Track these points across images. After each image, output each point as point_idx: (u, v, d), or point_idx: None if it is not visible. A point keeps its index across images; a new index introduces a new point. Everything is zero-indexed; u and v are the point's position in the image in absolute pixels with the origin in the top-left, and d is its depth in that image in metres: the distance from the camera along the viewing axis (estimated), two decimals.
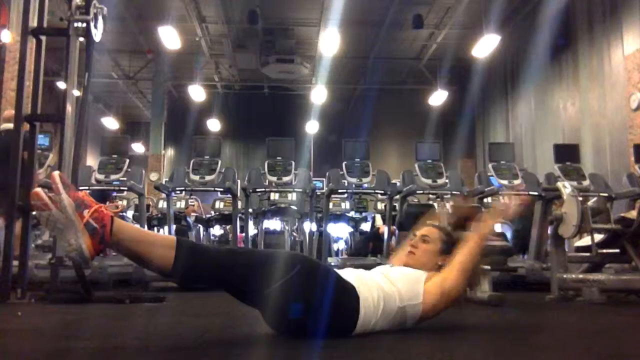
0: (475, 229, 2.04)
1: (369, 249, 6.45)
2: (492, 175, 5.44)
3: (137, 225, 1.69)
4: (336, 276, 1.75)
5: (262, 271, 1.58)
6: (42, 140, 4.95)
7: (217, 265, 1.57)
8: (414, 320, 1.85)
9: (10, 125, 4.11)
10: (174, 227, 5.96)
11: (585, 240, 3.80)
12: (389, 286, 1.82)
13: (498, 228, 7.59)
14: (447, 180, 5.38)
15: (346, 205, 7.34)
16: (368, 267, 2.02)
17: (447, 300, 1.86)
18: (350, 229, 7.78)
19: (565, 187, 3.77)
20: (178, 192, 6.06)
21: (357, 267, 2.12)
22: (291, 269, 1.62)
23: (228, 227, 8.30)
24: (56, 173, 1.48)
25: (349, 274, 1.82)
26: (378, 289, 1.78)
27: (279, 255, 1.70)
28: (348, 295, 1.72)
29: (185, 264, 1.51)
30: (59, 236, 1.45)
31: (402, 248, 2.17)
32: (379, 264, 4.75)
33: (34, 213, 4.12)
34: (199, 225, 7.91)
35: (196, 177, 5.22)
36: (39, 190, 1.46)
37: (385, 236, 5.82)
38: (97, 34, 3.42)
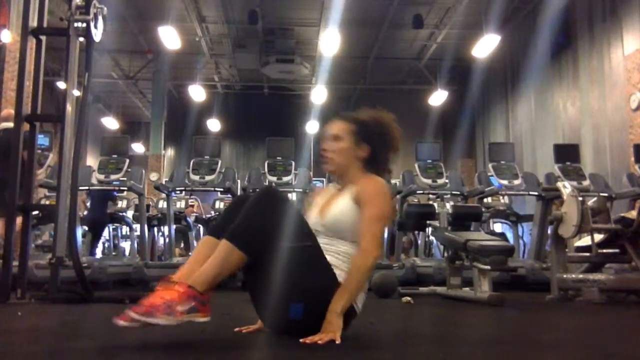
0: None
1: None
2: (492, 175, 5.44)
3: (205, 265, 1.70)
4: (332, 272, 1.70)
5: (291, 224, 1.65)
6: (42, 140, 4.95)
7: (265, 221, 1.62)
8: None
9: (10, 125, 4.12)
10: (174, 227, 5.95)
11: (585, 240, 3.80)
12: (352, 251, 1.73)
13: (498, 228, 7.63)
14: (447, 180, 5.38)
15: None
16: None
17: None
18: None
19: (565, 187, 3.77)
20: (178, 192, 6.06)
21: None
22: (305, 239, 1.66)
23: None
24: (132, 315, 1.46)
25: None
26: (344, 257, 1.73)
27: (303, 220, 1.73)
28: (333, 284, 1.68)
29: (253, 249, 1.60)
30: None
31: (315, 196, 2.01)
32: (379, 263, 4.78)
33: (34, 213, 4.13)
34: (199, 225, 7.91)
35: (196, 177, 5.22)
36: (131, 318, 1.46)
37: (385, 236, 5.82)
38: (97, 34, 3.41)
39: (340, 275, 1.69)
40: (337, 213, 1.76)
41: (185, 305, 1.50)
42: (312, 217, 1.83)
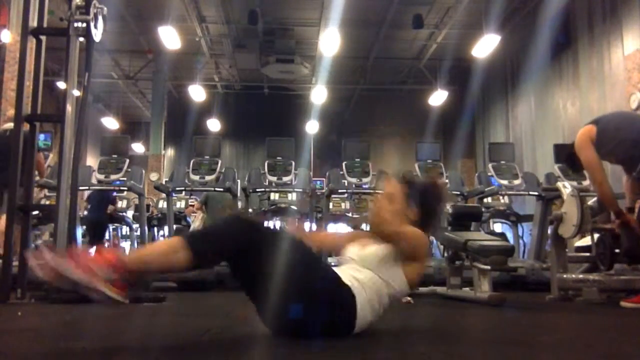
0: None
1: None
2: (492, 175, 5.44)
3: (140, 247, 1.68)
4: (334, 274, 1.76)
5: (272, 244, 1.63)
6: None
7: (229, 235, 1.60)
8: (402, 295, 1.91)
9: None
10: (174, 227, 5.96)
11: (585, 240, 3.79)
12: (374, 278, 1.76)
13: (498, 228, 7.63)
14: (447, 181, 5.39)
15: (346, 205, 7.34)
16: None
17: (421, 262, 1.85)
18: (350, 229, 7.78)
19: (565, 187, 3.77)
20: (178, 192, 6.07)
21: None
22: (296, 253, 1.66)
23: None
24: (48, 257, 1.42)
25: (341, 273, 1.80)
26: (370, 284, 1.75)
27: (286, 237, 1.72)
28: (345, 294, 1.71)
29: (204, 251, 1.56)
30: (84, 290, 1.45)
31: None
32: None
33: (34, 213, 4.13)
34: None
35: (196, 177, 5.22)
36: (45, 257, 1.43)
37: None
38: (97, 34, 3.42)
39: (355, 289, 1.70)
40: (372, 249, 1.81)
41: (104, 272, 1.44)
42: (352, 249, 1.90)
